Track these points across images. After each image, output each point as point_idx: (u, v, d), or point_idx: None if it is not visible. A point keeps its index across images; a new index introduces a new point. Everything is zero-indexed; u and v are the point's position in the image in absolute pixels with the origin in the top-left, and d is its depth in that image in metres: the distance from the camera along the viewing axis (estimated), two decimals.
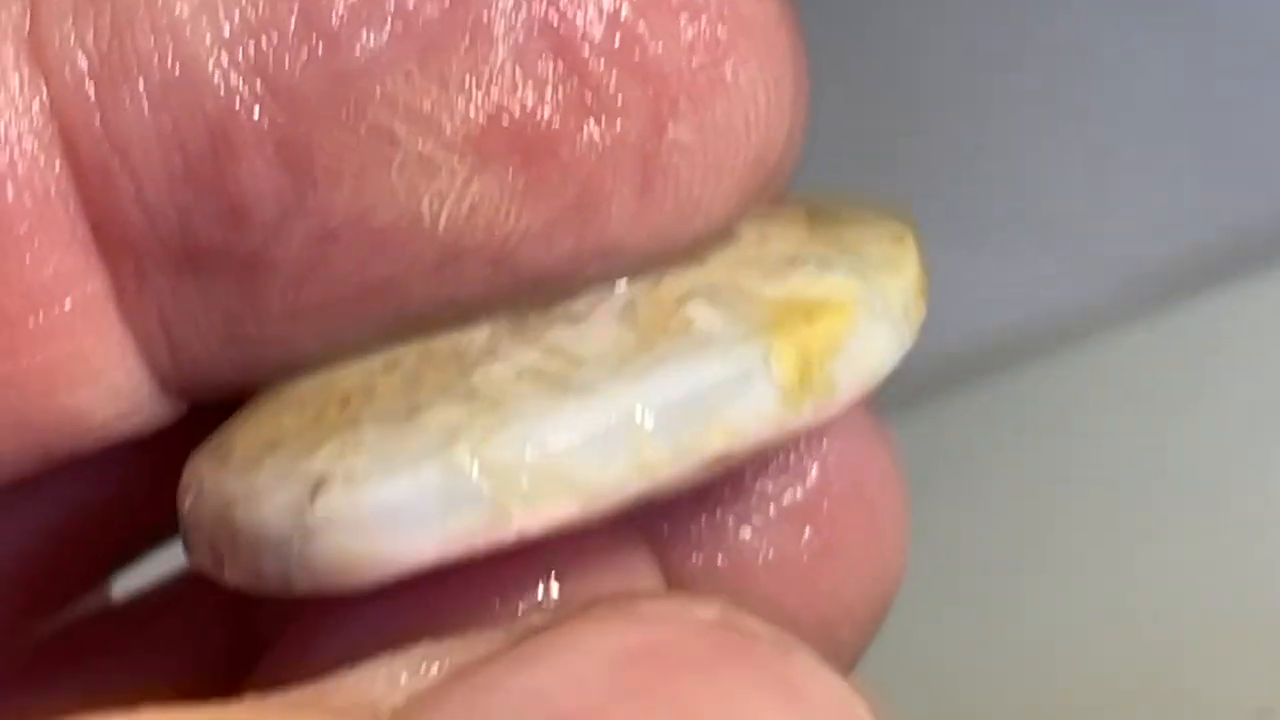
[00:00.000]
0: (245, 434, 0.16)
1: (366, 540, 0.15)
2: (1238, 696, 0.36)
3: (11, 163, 0.15)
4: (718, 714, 0.14)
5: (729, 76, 0.16)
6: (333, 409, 0.16)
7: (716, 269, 0.16)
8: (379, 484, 0.15)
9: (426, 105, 0.15)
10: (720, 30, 0.16)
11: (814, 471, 0.18)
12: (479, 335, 0.16)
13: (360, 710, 0.14)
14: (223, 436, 0.16)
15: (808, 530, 0.18)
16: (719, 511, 0.18)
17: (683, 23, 0.16)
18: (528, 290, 0.16)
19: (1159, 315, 0.41)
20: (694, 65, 0.16)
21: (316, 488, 0.15)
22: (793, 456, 0.18)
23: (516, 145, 0.15)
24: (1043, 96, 0.42)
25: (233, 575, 0.16)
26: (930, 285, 0.17)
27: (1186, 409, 0.40)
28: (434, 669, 0.15)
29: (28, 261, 0.16)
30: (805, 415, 0.15)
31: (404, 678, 0.15)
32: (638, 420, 0.15)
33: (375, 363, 0.16)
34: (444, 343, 0.16)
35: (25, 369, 0.16)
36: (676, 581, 0.18)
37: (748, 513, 0.18)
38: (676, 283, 0.16)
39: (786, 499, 0.18)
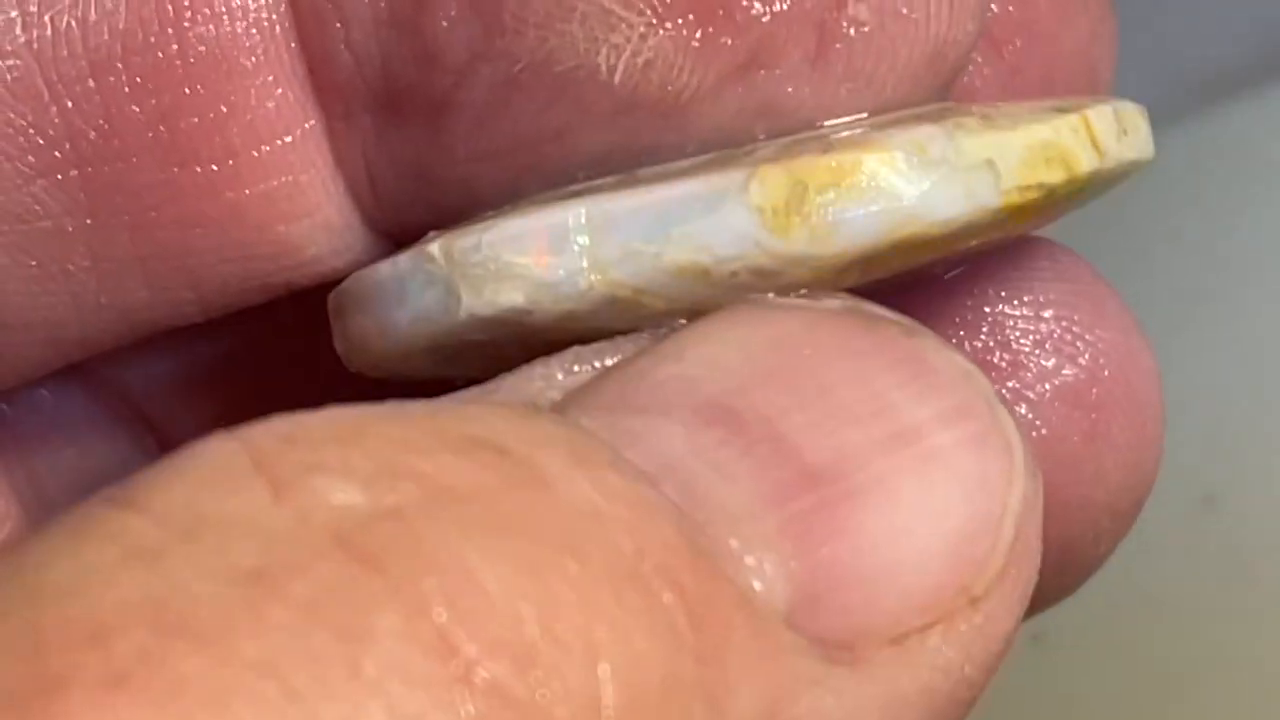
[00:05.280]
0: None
1: None
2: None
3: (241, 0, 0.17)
4: (847, 389, 0.15)
5: None
6: None
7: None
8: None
9: None
10: None
11: (1086, 355, 0.19)
12: None
13: (519, 403, 0.16)
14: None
15: (1078, 411, 0.18)
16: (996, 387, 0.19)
17: None
18: (696, 144, 0.17)
19: None
20: None
21: None
22: (1066, 340, 0.19)
23: (693, 5, 0.16)
24: None
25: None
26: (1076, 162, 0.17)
27: None
28: (585, 368, 0.16)
29: (253, 95, 0.17)
30: (795, 241, 0.16)
31: (559, 376, 0.16)
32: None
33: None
34: None
35: (247, 198, 0.17)
36: None
37: (1023, 389, 0.19)
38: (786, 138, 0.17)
39: (1059, 378, 0.18)
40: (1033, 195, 0.16)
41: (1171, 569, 0.37)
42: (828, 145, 0.16)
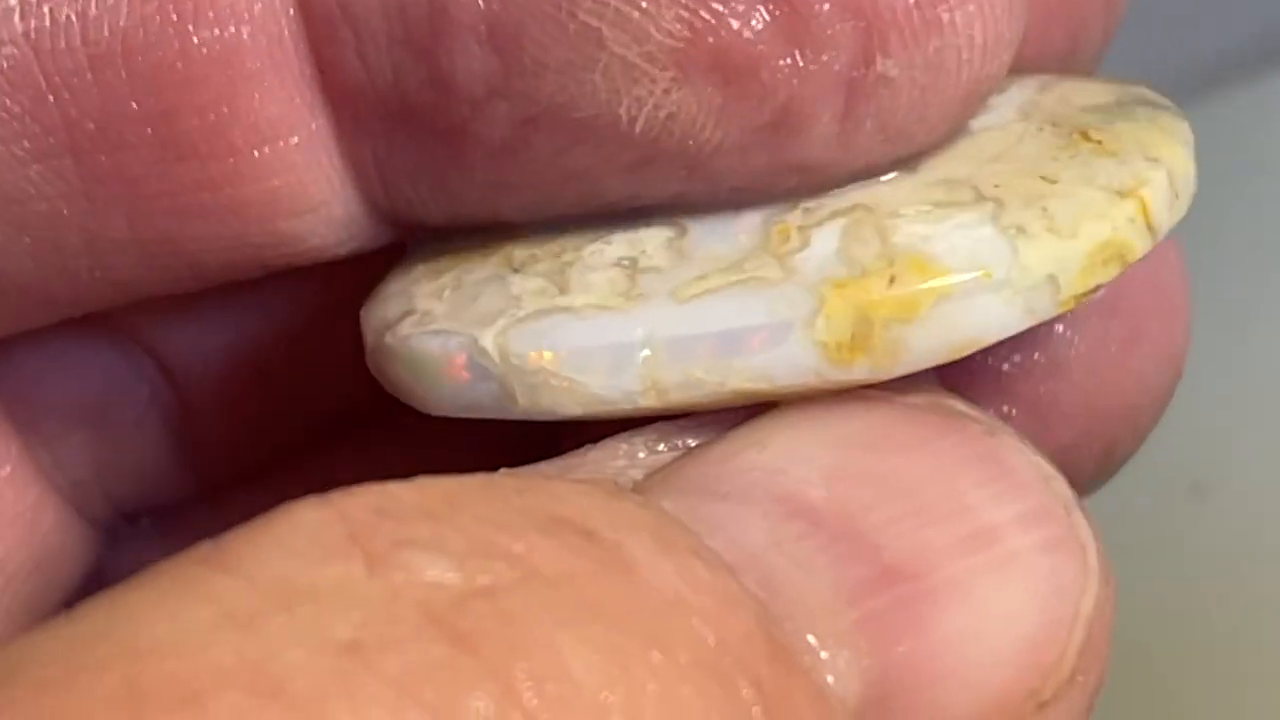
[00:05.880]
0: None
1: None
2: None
3: (248, 3, 0.16)
4: (928, 487, 0.15)
5: (944, 18, 0.16)
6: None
7: (891, 190, 0.17)
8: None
9: (635, 15, 0.16)
10: None
11: None
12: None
13: (603, 481, 0.16)
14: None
15: (1114, 320, 0.19)
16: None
17: None
18: (725, 197, 0.17)
19: None
20: (910, 4, 0.16)
21: None
22: None
23: (718, 64, 0.16)
24: None
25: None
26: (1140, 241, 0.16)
27: None
28: (668, 446, 0.16)
29: (256, 98, 0.17)
30: (856, 372, 0.16)
31: (642, 454, 0.16)
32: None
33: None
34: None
35: (247, 196, 0.17)
36: (995, 384, 0.19)
37: None
38: (835, 202, 0.17)
39: None
40: (1086, 298, 0.16)
41: (1159, 556, 0.37)
42: (888, 251, 0.16)
